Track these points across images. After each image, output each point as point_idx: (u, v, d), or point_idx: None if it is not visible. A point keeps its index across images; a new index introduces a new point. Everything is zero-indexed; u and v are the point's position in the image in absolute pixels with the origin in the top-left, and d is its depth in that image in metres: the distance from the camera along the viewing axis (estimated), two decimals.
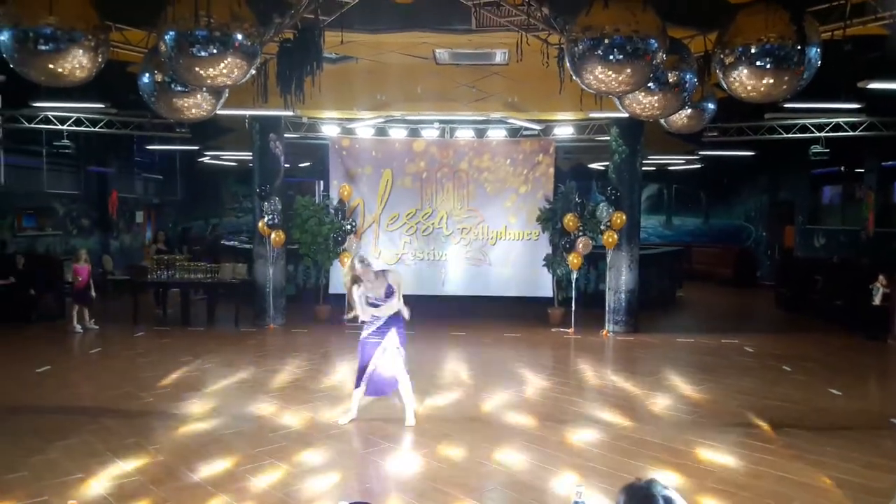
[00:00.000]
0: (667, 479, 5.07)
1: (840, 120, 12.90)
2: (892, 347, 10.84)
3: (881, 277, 11.32)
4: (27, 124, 12.81)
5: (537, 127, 13.04)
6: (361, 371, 6.45)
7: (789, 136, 13.46)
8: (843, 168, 16.93)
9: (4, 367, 8.82)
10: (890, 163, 15.52)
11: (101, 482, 5.09)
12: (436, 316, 11.20)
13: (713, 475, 5.42)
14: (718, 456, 5.87)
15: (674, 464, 5.64)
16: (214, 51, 4.73)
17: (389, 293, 6.36)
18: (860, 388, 8.68)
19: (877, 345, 10.94)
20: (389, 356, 6.41)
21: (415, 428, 6.48)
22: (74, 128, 13.07)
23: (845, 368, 9.38)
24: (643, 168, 12.59)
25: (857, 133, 13.05)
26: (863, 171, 16.13)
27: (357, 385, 6.53)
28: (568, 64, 5.15)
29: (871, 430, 6.55)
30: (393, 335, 6.40)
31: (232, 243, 16.59)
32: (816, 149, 13.40)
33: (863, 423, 6.84)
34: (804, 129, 13.31)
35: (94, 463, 5.46)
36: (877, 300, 11.32)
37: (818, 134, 13.21)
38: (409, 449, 6.00)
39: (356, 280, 6.33)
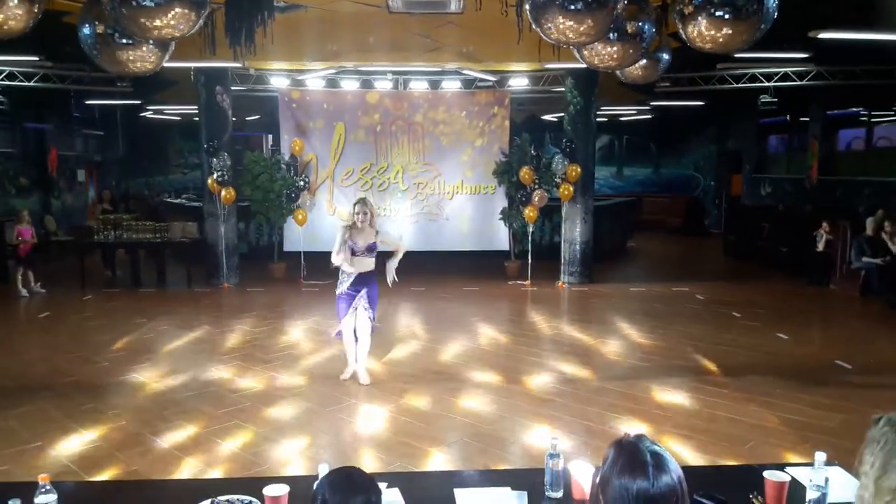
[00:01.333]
0: (629, 426, 5.23)
1: (789, 69, 13.11)
2: (834, 293, 11.28)
3: (824, 224, 11.70)
4: None
5: (492, 78, 12.91)
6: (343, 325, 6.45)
7: (739, 85, 13.63)
8: (788, 117, 17.29)
9: None
10: (834, 112, 15.91)
11: (61, 450, 4.97)
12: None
13: (670, 420, 5.59)
14: (675, 400, 6.06)
15: (633, 410, 5.81)
16: (161, 0, 4.47)
17: (372, 248, 6.30)
18: (805, 332, 9.03)
19: (820, 290, 11.38)
20: (360, 317, 6.36)
21: (379, 384, 6.50)
22: (7, 82, 12.39)
23: (791, 313, 9.73)
24: (596, 119, 12.64)
25: (804, 83, 13.29)
26: (808, 120, 16.51)
27: (339, 335, 6.53)
28: (528, 13, 5.05)
29: (817, 372, 6.84)
30: (363, 296, 6.34)
31: (179, 201, 16.13)
32: (765, 98, 13.63)
33: (809, 365, 7.13)
34: (754, 78, 13.50)
35: (52, 430, 5.33)
36: (820, 246, 11.72)
37: (767, 84, 13.42)
38: (373, 405, 6.02)
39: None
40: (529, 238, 12.03)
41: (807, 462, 2.60)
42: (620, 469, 1.57)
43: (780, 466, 2.58)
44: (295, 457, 4.92)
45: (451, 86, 13.01)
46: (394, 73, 12.76)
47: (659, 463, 1.56)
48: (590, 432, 5.32)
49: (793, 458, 4.70)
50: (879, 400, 5.84)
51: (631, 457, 1.59)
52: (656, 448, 1.59)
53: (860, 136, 15.71)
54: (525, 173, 11.66)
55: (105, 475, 4.54)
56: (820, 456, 2.40)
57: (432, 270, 12.54)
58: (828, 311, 10.31)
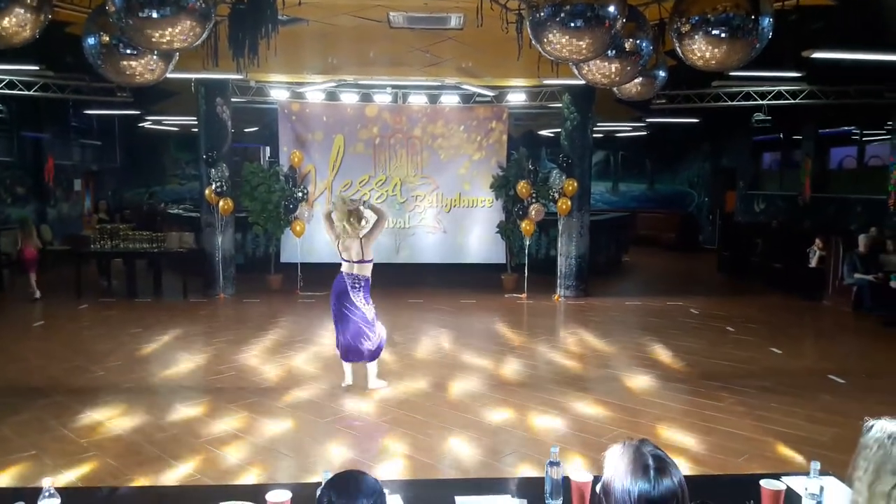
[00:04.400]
0: (624, 435, 5.27)
1: (782, 88, 13.27)
2: (827, 308, 11.36)
3: (818, 241, 11.81)
4: None
5: (490, 93, 13.02)
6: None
7: (734, 103, 13.78)
8: (782, 135, 17.46)
9: None
10: (827, 130, 16.07)
11: (57, 459, 4.97)
12: (391, 284, 11.18)
13: (666, 432, 5.63)
14: (670, 412, 6.09)
15: (629, 422, 5.85)
16: (167, 12, 4.54)
17: (365, 262, 6.39)
18: (799, 346, 9.09)
19: (813, 305, 11.45)
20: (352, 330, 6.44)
21: (375, 392, 6.53)
22: (7, 91, 12.42)
23: (785, 328, 9.80)
24: (592, 135, 12.74)
25: (797, 101, 13.44)
26: (801, 138, 16.68)
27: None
28: (528, 30, 5.13)
29: (811, 386, 6.89)
30: (361, 289, 6.46)
31: (176, 211, 16.16)
32: (759, 116, 13.78)
33: (804, 379, 7.18)
34: (748, 96, 13.65)
35: (47, 439, 5.33)
36: (813, 262, 11.83)
37: (761, 102, 13.57)
38: (372, 416, 6.03)
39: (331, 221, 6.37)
40: (526, 251, 12.09)
41: (802, 472, 2.65)
42: (623, 472, 1.61)
43: (776, 476, 2.62)
44: (302, 469, 4.93)
45: (450, 100, 13.11)
46: (393, 87, 12.85)
47: (661, 467, 1.61)
48: (585, 444, 5.35)
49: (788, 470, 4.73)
50: (872, 414, 5.78)
51: (633, 460, 1.63)
52: (658, 452, 1.64)
53: (852, 154, 15.87)
54: (522, 187, 11.75)
55: (101, 485, 4.54)
56: (815, 465, 2.45)
57: (429, 283, 12.58)
58: (821, 327, 10.38)
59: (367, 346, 6.48)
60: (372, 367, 6.67)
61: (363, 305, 6.44)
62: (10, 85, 12.34)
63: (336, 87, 12.58)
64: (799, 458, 5.02)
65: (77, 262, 11.84)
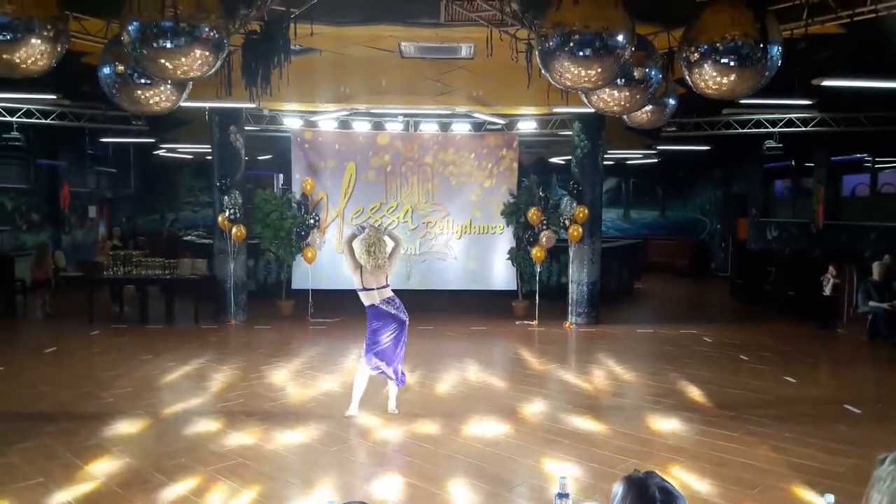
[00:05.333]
0: (635, 466, 5.19)
1: (793, 115, 13.26)
2: (842, 336, 11.22)
3: (831, 269, 11.71)
4: None
5: (501, 121, 13.10)
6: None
7: (744, 130, 13.78)
8: (793, 162, 17.42)
9: None
10: (839, 157, 16.02)
11: (64, 487, 4.95)
12: None
13: (679, 462, 5.54)
14: (683, 443, 6.01)
15: (640, 452, 5.76)
16: (181, 42, 4.62)
17: (384, 286, 6.47)
18: (814, 375, 8.97)
19: (828, 334, 11.33)
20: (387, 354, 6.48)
21: (389, 418, 6.49)
22: (24, 119, 12.64)
23: (799, 357, 9.68)
24: (603, 162, 12.77)
25: (808, 129, 13.42)
26: (813, 165, 16.63)
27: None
28: (538, 59, 5.18)
29: (826, 416, 6.78)
30: (399, 308, 6.54)
31: (189, 238, 16.29)
32: (770, 143, 13.76)
33: (819, 409, 7.07)
34: (758, 124, 13.65)
35: (55, 466, 5.31)
36: (827, 290, 11.71)
37: (772, 129, 13.56)
38: (379, 445, 5.99)
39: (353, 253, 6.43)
40: (537, 278, 12.06)
41: None
42: None
43: None
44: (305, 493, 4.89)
45: (461, 128, 13.20)
46: (405, 115, 12.97)
47: (667, 500, 1.58)
48: (595, 475, 5.27)
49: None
50: (889, 444, 5.69)
51: (640, 493, 1.61)
52: (665, 484, 1.61)
53: (865, 181, 15.79)
54: (533, 214, 11.76)
55: None
56: (829, 498, 2.40)
57: (440, 309, 12.55)
58: (836, 355, 10.25)
59: (398, 364, 6.53)
60: (394, 389, 6.68)
61: (403, 317, 6.50)
62: (28, 113, 12.56)
63: (348, 115, 12.71)
64: (814, 491, 4.92)
65: (90, 288, 11.92)
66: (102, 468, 5.30)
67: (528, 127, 13.16)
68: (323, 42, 8.98)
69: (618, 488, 1.64)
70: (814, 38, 7.33)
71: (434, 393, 7.61)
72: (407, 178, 13.08)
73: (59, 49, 5.05)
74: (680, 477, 5.23)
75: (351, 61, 10.03)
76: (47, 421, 6.40)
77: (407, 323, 6.55)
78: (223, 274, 11.72)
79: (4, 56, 4.85)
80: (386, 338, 6.42)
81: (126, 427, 6.31)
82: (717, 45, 4.99)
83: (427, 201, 13.10)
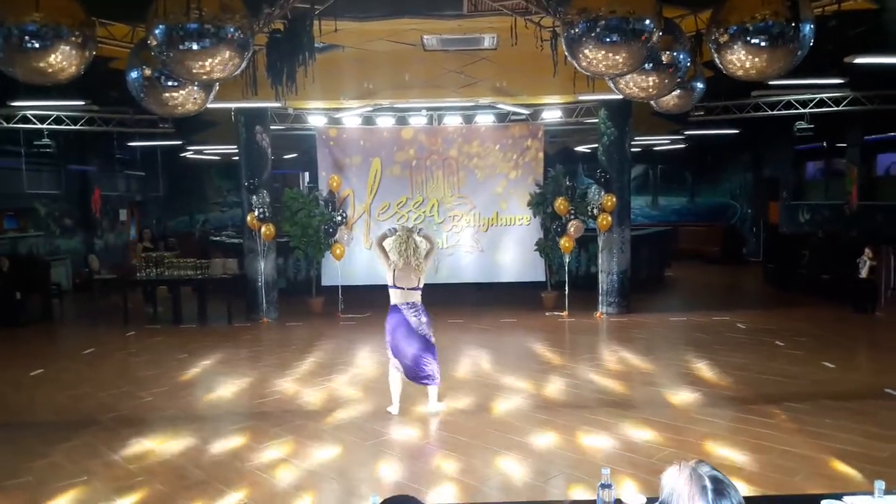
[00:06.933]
0: (674, 456, 5.13)
1: (824, 95, 12.97)
2: (880, 319, 11.00)
3: (867, 250, 11.46)
4: (5, 124, 12.55)
5: (525, 111, 13.02)
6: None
7: (775, 112, 13.52)
8: (825, 143, 17.06)
9: None
10: (872, 137, 15.66)
11: (108, 484, 5.04)
12: (431, 304, 11.13)
13: (717, 451, 5.47)
14: (721, 432, 5.93)
15: (678, 442, 5.70)
16: (207, 44, 4.65)
17: (418, 289, 6.45)
18: (853, 360, 8.80)
19: (865, 317, 11.10)
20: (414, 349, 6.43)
21: (420, 413, 6.50)
22: (54, 126, 12.85)
23: (837, 341, 9.50)
24: (630, 149, 12.62)
25: (841, 108, 13.12)
26: (845, 145, 16.27)
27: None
28: (563, 47, 5.13)
29: (867, 401, 6.65)
30: (420, 312, 6.50)
31: (219, 238, 16.47)
32: (801, 125, 13.46)
33: (859, 394, 6.93)
34: (789, 105, 13.37)
35: (97, 465, 5.42)
36: (863, 273, 11.46)
37: (803, 110, 13.28)
38: (417, 439, 6.01)
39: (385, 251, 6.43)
40: (566, 269, 11.99)
41: (865, 491, 2.54)
42: (680, 494, 1.56)
43: (838, 496, 2.52)
44: (347, 492, 4.92)
45: (485, 120, 13.15)
46: (428, 108, 12.95)
47: (719, 488, 1.55)
48: (635, 465, 5.23)
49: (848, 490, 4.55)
50: None
51: (690, 482, 1.58)
52: (716, 473, 1.59)
53: None
54: (560, 204, 11.68)
55: None
56: (879, 484, 2.35)
57: (469, 302, 12.54)
58: (874, 339, 10.04)
59: (431, 368, 6.45)
60: (434, 389, 6.63)
61: (426, 329, 6.45)
62: (58, 120, 12.77)
63: (372, 111, 12.74)
64: (858, 477, 4.83)
65: (124, 290, 12.12)
66: (144, 466, 5.39)
67: (552, 116, 13.06)
68: (346, 38, 8.99)
69: (668, 476, 1.62)
70: (845, 14, 7.16)
71: (464, 385, 7.58)
72: (432, 171, 13.08)
73: (87, 55, 5.10)
74: (719, 464, 5.14)
75: (374, 56, 10.03)
76: (89, 421, 6.53)
77: (431, 340, 6.47)
78: (254, 273, 11.83)
79: (35, 64, 4.93)
80: (399, 338, 6.38)
81: (165, 425, 6.40)
82: (747, 25, 4.88)
83: (453, 195, 13.08)
